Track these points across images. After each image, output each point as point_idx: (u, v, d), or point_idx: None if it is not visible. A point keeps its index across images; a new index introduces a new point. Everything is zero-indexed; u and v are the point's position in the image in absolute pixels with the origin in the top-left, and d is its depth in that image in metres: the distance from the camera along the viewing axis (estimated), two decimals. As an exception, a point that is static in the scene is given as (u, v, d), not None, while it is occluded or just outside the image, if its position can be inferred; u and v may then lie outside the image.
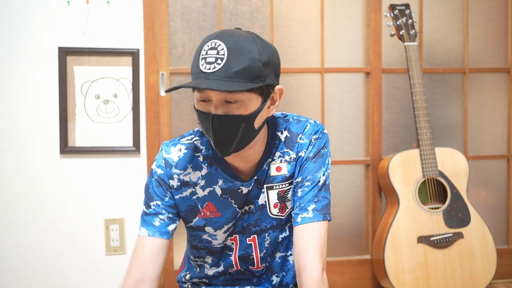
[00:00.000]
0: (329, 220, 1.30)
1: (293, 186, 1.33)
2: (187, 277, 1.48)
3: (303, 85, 2.59)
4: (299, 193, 1.30)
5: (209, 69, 1.14)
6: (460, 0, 2.70)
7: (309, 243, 1.26)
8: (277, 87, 1.24)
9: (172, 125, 2.47)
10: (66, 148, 2.32)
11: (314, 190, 1.29)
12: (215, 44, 1.16)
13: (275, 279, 1.44)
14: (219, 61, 1.14)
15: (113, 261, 2.39)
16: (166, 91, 1.15)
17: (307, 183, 1.29)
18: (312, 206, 1.28)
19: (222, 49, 1.15)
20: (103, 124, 2.35)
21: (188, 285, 1.50)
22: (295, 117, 1.35)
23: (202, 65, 1.15)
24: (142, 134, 2.38)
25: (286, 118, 1.35)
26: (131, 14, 2.36)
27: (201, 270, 1.44)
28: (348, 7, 2.61)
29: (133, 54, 2.34)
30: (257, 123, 1.21)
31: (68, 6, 2.31)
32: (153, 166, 1.33)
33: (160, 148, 1.34)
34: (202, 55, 1.17)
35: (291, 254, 1.42)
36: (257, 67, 1.16)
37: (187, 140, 1.34)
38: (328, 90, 2.61)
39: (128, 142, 2.37)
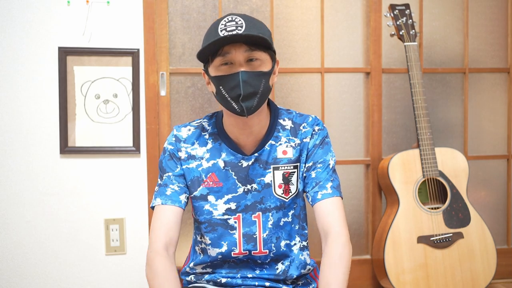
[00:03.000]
0: (342, 198, 1.46)
1: (302, 170, 1.47)
2: (191, 265, 1.52)
3: (303, 85, 2.59)
4: (313, 175, 1.45)
5: (231, 33, 1.30)
6: (460, 0, 2.70)
7: (333, 212, 1.41)
8: (277, 59, 1.44)
9: (172, 125, 2.47)
10: (66, 148, 2.33)
11: (328, 171, 1.45)
12: (232, 18, 1.34)
13: (280, 267, 1.48)
14: (239, 28, 1.31)
15: (113, 261, 2.39)
16: (199, 54, 1.33)
17: (319, 165, 1.45)
18: (330, 184, 1.44)
19: (240, 20, 1.33)
20: (103, 124, 2.35)
21: (191, 278, 1.53)
22: (297, 112, 1.52)
23: (223, 34, 1.30)
24: (142, 134, 2.38)
25: (289, 111, 1.51)
26: (131, 14, 2.36)
27: (205, 255, 1.49)
28: (348, 7, 2.61)
29: (133, 54, 2.34)
30: (271, 82, 1.39)
31: (68, 6, 2.31)
32: (165, 144, 1.48)
33: (172, 129, 1.50)
34: (221, 28, 1.32)
35: (295, 244, 1.49)
36: (268, 35, 1.37)
37: (196, 123, 1.51)
38: (328, 90, 2.61)
39: (128, 142, 2.37)
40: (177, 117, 2.49)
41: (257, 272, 1.48)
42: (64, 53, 2.30)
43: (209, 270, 1.50)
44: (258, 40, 1.31)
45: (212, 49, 1.32)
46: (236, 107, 1.34)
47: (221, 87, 1.34)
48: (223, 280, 1.48)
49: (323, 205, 1.41)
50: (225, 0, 2.50)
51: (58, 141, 2.33)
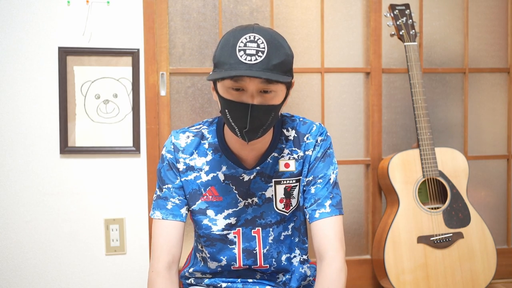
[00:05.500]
0: (342, 215, 1.40)
1: (303, 184, 1.41)
2: (191, 270, 1.51)
3: (303, 85, 2.59)
4: (312, 190, 1.38)
5: (250, 60, 1.21)
6: (460, 0, 2.70)
7: (329, 233, 1.35)
8: (293, 80, 1.35)
9: (172, 125, 2.47)
10: (66, 148, 2.33)
11: (328, 187, 1.39)
12: (254, 38, 1.23)
13: (280, 277, 1.47)
14: (260, 53, 1.21)
15: (113, 261, 2.39)
16: (209, 79, 1.25)
17: (319, 181, 1.39)
18: (329, 202, 1.37)
19: (262, 42, 1.23)
20: (103, 124, 2.35)
21: (191, 281, 1.51)
22: (301, 119, 1.44)
23: (241, 56, 1.21)
24: (142, 134, 2.38)
25: (292, 118, 1.44)
26: (131, 14, 2.36)
27: (205, 264, 1.47)
28: (348, 7, 2.61)
29: (133, 54, 2.34)
30: (280, 112, 1.33)
31: (68, 6, 2.31)
32: (163, 152, 1.41)
33: (170, 135, 1.42)
34: (240, 46, 1.22)
35: (294, 256, 1.47)
36: (289, 62, 1.28)
37: (196, 129, 1.43)
38: (328, 90, 2.61)
39: (128, 142, 2.37)
40: (177, 117, 2.49)
41: (258, 277, 1.47)
42: (64, 53, 2.30)
43: (209, 275, 1.49)
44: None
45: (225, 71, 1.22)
46: (239, 134, 1.27)
47: (226, 111, 1.26)
48: (224, 284, 1.46)
49: (320, 225, 1.36)
50: (225, 0, 2.50)
51: (58, 141, 2.33)
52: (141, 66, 2.37)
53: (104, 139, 2.35)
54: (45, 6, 2.29)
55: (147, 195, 2.40)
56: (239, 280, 1.46)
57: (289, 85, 1.32)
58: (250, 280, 1.46)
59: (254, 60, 1.21)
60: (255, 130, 1.26)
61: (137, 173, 2.39)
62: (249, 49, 1.21)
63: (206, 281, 1.48)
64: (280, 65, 1.23)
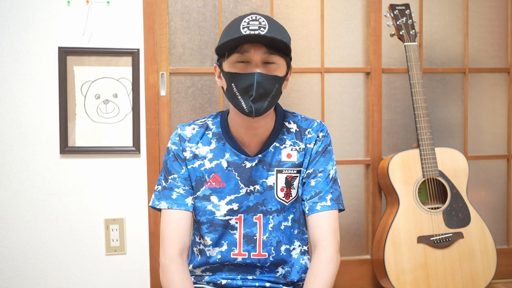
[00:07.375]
0: (341, 210, 1.47)
1: (303, 176, 1.47)
2: (190, 267, 1.53)
3: (303, 85, 2.59)
4: (312, 183, 1.45)
5: (254, 33, 1.29)
6: (460, 0, 2.70)
7: (324, 225, 1.41)
8: (292, 66, 1.45)
9: (172, 125, 2.47)
10: (66, 148, 2.33)
11: (328, 181, 1.46)
12: (256, 17, 1.33)
13: (280, 271, 1.49)
14: (262, 29, 1.31)
15: (113, 261, 2.39)
16: (217, 47, 1.34)
17: (320, 174, 1.46)
18: (330, 196, 1.45)
19: (264, 21, 1.33)
20: (103, 124, 2.35)
21: (191, 278, 1.51)
22: (302, 116, 1.52)
23: (245, 32, 1.30)
24: (142, 134, 2.38)
25: (294, 114, 1.52)
26: (131, 14, 2.36)
27: (203, 257, 1.49)
28: (348, 7, 2.61)
29: (133, 54, 2.34)
30: (283, 87, 1.40)
31: (68, 6, 2.31)
32: (169, 144, 1.48)
33: (176, 128, 1.50)
34: (243, 25, 1.31)
35: (294, 248, 1.49)
36: (288, 41, 1.36)
37: (201, 122, 1.51)
38: (328, 90, 2.61)
39: (128, 142, 2.37)
40: (177, 117, 2.49)
41: (257, 273, 1.48)
42: (64, 53, 2.30)
43: (208, 273, 1.50)
44: (279, 44, 1.31)
45: (231, 45, 1.31)
46: (245, 107, 1.33)
47: (233, 84, 1.33)
48: (223, 281, 1.48)
49: (319, 217, 1.42)
50: (225, 0, 2.50)
51: (58, 141, 2.33)
52: (141, 66, 2.37)
53: (104, 139, 2.35)
54: (45, 6, 2.29)
55: (147, 195, 2.40)
56: (238, 277, 1.48)
57: (289, 64, 1.39)
58: (250, 277, 1.47)
59: (257, 33, 1.29)
60: (261, 99, 1.32)
61: (137, 173, 2.39)
62: (252, 26, 1.30)
63: (206, 278, 1.50)
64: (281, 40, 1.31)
